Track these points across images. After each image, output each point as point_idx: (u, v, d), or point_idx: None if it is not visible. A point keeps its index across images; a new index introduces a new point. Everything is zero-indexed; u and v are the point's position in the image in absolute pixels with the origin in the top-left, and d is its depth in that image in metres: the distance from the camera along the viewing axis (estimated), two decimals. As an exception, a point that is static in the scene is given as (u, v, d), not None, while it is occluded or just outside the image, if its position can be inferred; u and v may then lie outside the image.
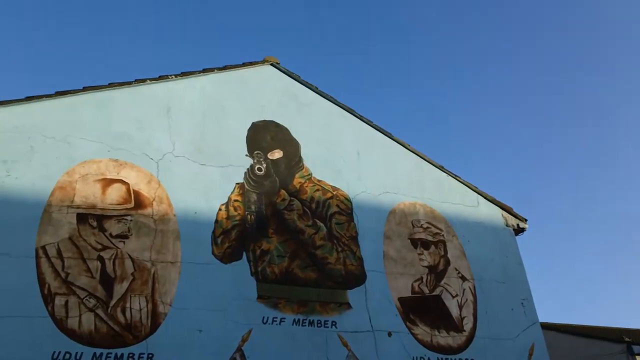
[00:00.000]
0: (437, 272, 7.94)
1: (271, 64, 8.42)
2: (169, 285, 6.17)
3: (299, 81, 8.54)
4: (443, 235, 8.33)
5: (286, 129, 7.98)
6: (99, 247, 6.06)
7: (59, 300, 5.59)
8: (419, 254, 7.97)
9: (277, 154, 7.64)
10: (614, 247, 38.72)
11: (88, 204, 6.20)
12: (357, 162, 8.26)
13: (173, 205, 6.61)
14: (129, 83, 7.04)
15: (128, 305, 5.89)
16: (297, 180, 7.62)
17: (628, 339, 14.12)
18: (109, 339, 5.63)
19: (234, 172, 7.21)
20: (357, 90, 41.04)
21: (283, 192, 7.41)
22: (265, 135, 7.75)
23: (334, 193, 7.76)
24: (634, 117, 35.55)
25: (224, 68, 7.90)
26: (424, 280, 7.78)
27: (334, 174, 7.94)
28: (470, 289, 8.06)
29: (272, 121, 7.94)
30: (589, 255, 39.88)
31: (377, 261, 7.54)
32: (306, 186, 7.63)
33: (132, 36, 40.00)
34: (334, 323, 6.80)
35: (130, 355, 5.65)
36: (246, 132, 7.64)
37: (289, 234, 7.14)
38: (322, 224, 7.42)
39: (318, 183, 7.74)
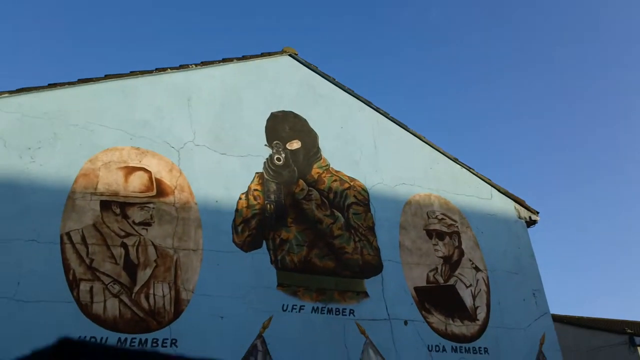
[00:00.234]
0: (451, 263, 8.05)
1: (289, 55, 8.46)
2: (191, 272, 6.25)
3: (316, 72, 8.59)
4: (457, 226, 8.42)
5: (304, 119, 8.04)
6: (123, 234, 6.13)
7: (84, 286, 5.66)
8: (434, 245, 8.07)
9: (295, 145, 7.70)
10: (616, 240, 38.95)
11: (111, 191, 6.26)
12: (374, 154, 8.33)
13: (194, 194, 6.67)
14: (150, 72, 7.08)
15: (151, 291, 5.96)
16: (315, 171, 7.69)
17: (630, 331, 14.30)
18: (133, 324, 5.71)
19: (253, 162, 7.28)
20: (373, 83, 41.05)
21: (302, 182, 7.48)
22: (284, 126, 7.80)
23: (351, 184, 7.84)
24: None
25: (243, 58, 7.94)
26: (439, 270, 7.89)
27: (351, 165, 8.00)
28: (483, 279, 8.16)
29: (291, 112, 8.00)
30: (591, 248, 40.13)
31: (393, 251, 7.63)
32: (324, 176, 7.70)
33: (151, 25, 39.88)
34: (351, 311, 6.90)
35: (154, 340, 5.73)
36: (265, 122, 7.69)
37: (307, 224, 7.22)
38: (339, 214, 7.50)
39: (336, 174, 7.82)
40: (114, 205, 6.21)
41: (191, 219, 6.52)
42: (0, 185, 5.67)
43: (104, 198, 6.18)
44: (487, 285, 8.15)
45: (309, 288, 6.80)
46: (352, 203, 7.68)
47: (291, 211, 7.21)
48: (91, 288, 5.72)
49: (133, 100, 6.87)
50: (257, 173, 7.23)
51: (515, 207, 9.21)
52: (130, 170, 6.47)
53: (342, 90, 8.66)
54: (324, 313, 6.74)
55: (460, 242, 8.33)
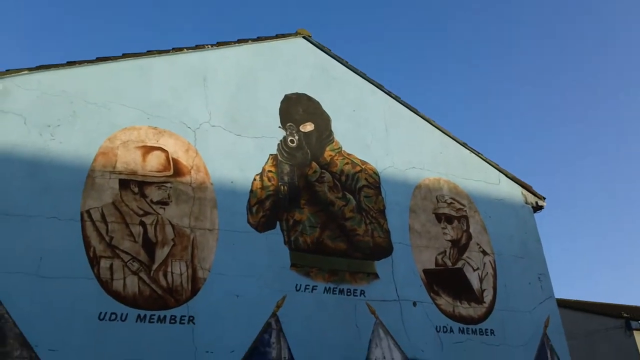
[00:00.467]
0: (459, 246, 8.20)
1: (303, 37, 8.48)
2: (207, 251, 6.36)
3: (330, 55, 8.62)
4: (466, 210, 8.56)
5: (317, 102, 8.09)
6: (141, 212, 6.22)
7: (104, 263, 5.76)
8: (443, 228, 8.21)
9: (308, 127, 7.77)
10: (612, 225, 39.34)
11: (129, 170, 6.33)
12: (385, 137, 8.41)
13: (210, 174, 6.75)
14: (166, 51, 7.10)
15: (169, 269, 6.07)
16: (327, 153, 7.77)
17: (626, 315, 14.56)
18: (152, 301, 5.82)
19: (267, 144, 7.35)
20: (385, 67, 40.85)
21: (314, 164, 7.57)
22: (297, 108, 7.86)
23: (363, 167, 7.93)
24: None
25: (258, 39, 7.96)
26: (447, 253, 8.04)
27: (363, 148, 8.09)
28: (490, 263, 8.32)
29: (304, 94, 8.05)
30: (589, 233, 40.53)
31: (403, 234, 7.76)
32: (336, 159, 7.79)
33: (166, 4, 39.36)
34: (362, 292, 7.05)
35: (172, 317, 5.86)
36: (279, 104, 7.74)
37: (320, 206, 7.32)
38: (351, 197, 7.61)
39: (348, 157, 7.90)
40: (132, 184, 6.29)
41: (207, 199, 6.61)
42: (21, 162, 5.73)
43: (122, 177, 6.26)
44: (494, 269, 8.32)
45: (321, 269, 6.93)
46: (363, 186, 7.78)
47: (304, 193, 7.31)
48: (111, 265, 5.82)
49: (150, 79, 6.90)
50: (271, 155, 7.30)
51: (522, 193, 9.34)
52: (148, 149, 6.53)
53: (354, 74, 8.71)
54: (335, 293, 6.88)
55: (468, 226, 8.47)
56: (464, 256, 8.15)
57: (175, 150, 6.68)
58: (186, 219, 6.40)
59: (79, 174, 6.02)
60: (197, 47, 7.36)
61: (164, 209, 6.35)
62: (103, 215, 5.98)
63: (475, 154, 9.22)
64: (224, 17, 41.59)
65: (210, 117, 7.09)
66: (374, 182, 7.93)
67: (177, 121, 6.83)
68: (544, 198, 9.41)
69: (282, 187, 7.16)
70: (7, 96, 5.94)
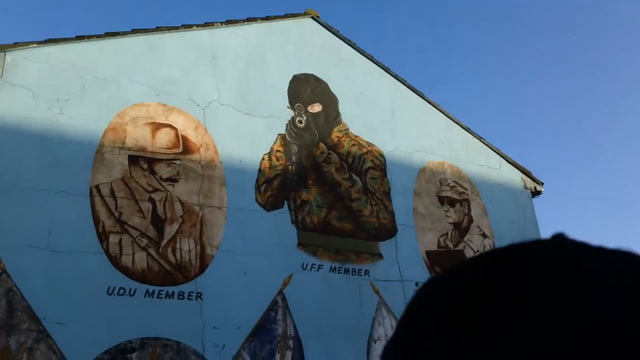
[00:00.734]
0: (461, 229, 8.30)
1: (312, 17, 8.44)
2: (216, 229, 6.39)
3: (337, 36, 8.60)
4: (467, 194, 8.65)
5: (325, 83, 8.09)
6: (150, 189, 6.22)
7: (113, 238, 5.77)
8: (445, 211, 8.31)
9: (316, 108, 7.78)
10: (608, 214, 39.89)
11: (138, 146, 6.32)
12: (391, 120, 8.45)
13: (219, 152, 6.75)
14: (176, 28, 7.05)
15: (178, 246, 6.10)
16: (335, 135, 7.80)
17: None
18: (160, 277, 5.86)
19: (276, 123, 7.36)
20: (392, 49, 40.66)
21: (322, 145, 7.60)
22: (305, 89, 7.86)
23: (369, 149, 7.97)
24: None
25: (267, 18, 7.92)
26: (449, 235, 8.14)
27: (370, 130, 8.12)
28: (490, 246, 8.45)
29: (312, 75, 8.04)
30: (585, 220, 41.05)
31: (407, 216, 7.85)
32: (343, 140, 7.82)
33: None
34: (367, 272, 7.13)
35: (181, 293, 5.90)
36: (287, 84, 7.73)
37: (327, 186, 7.37)
38: (357, 178, 7.66)
39: (354, 138, 7.93)
40: (141, 160, 6.28)
41: (216, 177, 6.63)
42: (31, 136, 5.70)
43: (131, 153, 6.25)
44: (494, 252, 8.43)
45: (327, 248, 6.99)
46: (369, 168, 7.83)
47: (312, 173, 7.34)
48: (120, 240, 5.84)
49: (159, 56, 6.86)
50: (279, 134, 7.32)
51: (522, 178, 9.45)
52: (157, 126, 6.51)
53: (362, 56, 8.71)
54: (341, 272, 6.96)
55: (469, 210, 8.57)
56: (465, 239, 8.27)
57: (185, 127, 6.67)
58: (195, 197, 6.41)
59: (89, 149, 6.00)
60: (207, 25, 7.31)
61: (173, 186, 6.36)
62: (112, 191, 5.98)
63: (478, 139, 9.30)
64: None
65: (220, 95, 7.07)
66: (380, 164, 7.98)
67: (186, 98, 6.81)
68: (542, 183, 9.54)
69: (290, 167, 7.19)
70: (16, 69, 5.88)
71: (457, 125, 9.15)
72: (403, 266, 7.46)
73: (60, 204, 5.60)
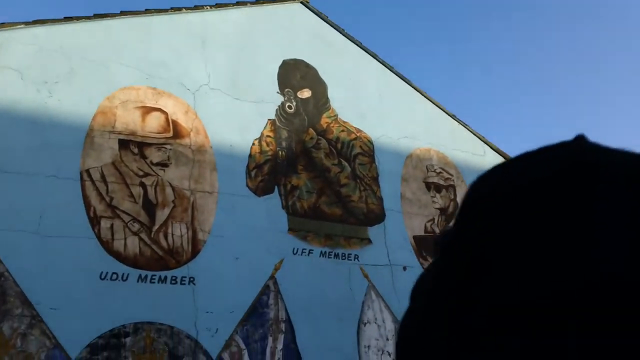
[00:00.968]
0: (447, 214, 8.44)
1: (301, 2, 8.40)
2: (207, 214, 6.38)
3: (326, 22, 8.58)
4: (453, 180, 8.78)
5: (315, 69, 8.09)
6: (141, 173, 6.17)
7: (104, 223, 5.73)
8: (432, 197, 8.42)
9: (306, 93, 7.78)
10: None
11: (129, 130, 6.25)
12: (379, 106, 8.50)
13: (209, 137, 6.72)
14: (165, 10, 6.96)
15: (170, 231, 6.09)
16: (324, 120, 7.82)
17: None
18: (153, 262, 5.85)
19: (266, 108, 7.34)
20: (380, 37, 40.55)
21: (311, 130, 7.62)
22: (295, 74, 7.85)
23: (358, 135, 8.02)
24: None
25: (256, 2, 7.86)
26: (436, 220, 8.27)
27: (358, 116, 8.16)
28: (475, 231, 8.60)
29: (302, 60, 8.03)
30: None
31: (395, 201, 7.94)
32: (332, 126, 7.84)
33: None
34: (356, 256, 7.21)
35: (173, 278, 5.91)
36: (277, 69, 7.71)
37: (316, 172, 7.40)
38: (346, 164, 7.71)
39: (343, 124, 7.97)
40: (131, 144, 6.22)
41: (206, 162, 6.61)
42: (20, 119, 5.60)
43: (122, 137, 6.18)
44: (479, 237, 8.60)
45: (317, 233, 7.05)
46: (358, 154, 7.89)
47: (301, 159, 7.37)
48: (112, 225, 5.80)
49: (148, 39, 6.77)
50: (269, 120, 7.31)
51: (505, 165, 9.61)
52: (147, 110, 6.45)
53: (350, 42, 8.71)
54: (331, 257, 7.03)
55: (455, 195, 8.71)
56: (451, 224, 8.38)
57: (175, 111, 6.62)
58: (186, 181, 6.39)
59: (78, 133, 5.92)
60: (196, 8, 7.23)
61: (164, 170, 6.32)
62: (103, 175, 5.92)
63: (463, 126, 9.42)
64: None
65: (210, 79, 7.02)
66: (368, 150, 8.04)
67: (176, 82, 6.75)
68: (525, 170, 9.70)
69: (280, 152, 7.20)
70: (4, 51, 5.76)
71: (443, 112, 9.25)
72: (391, 251, 7.56)
73: (51, 188, 5.54)
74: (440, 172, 8.68)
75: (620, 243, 0.35)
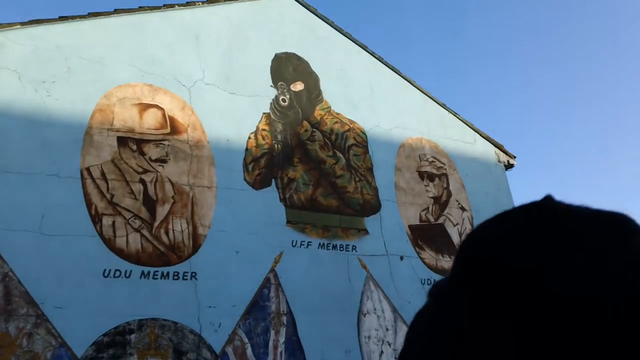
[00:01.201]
0: (440, 203, 8.58)
1: (290, -5, 8.45)
2: (207, 209, 6.44)
3: (316, 14, 8.64)
4: (446, 169, 8.93)
5: (306, 61, 8.15)
6: (140, 170, 6.20)
7: (106, 221, 5.77)
8: (425, 186, 8.56)
9: (299, 86, 7.84)
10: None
11: (127, 127, 6.28)
12: (371, 97, 8.59)
13: (206, 132, 6.77)
14: (158, 7, 6.96)
15: (170, 226, 6.14)
16: (317, 112, 7.90)
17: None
18: (155, 258, 5.90)
19: (260, 102, 7.40)
20: (368, 28, 40.56)
21: (306, 123, 7.69)
22: (287, 67, 7.90)
23: (351, 126, 8.11)
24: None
25: (247, -3, 7.89)
26: (430, 209, 8.41)
27: (351, 107, 8.25)
28: (468, 218, 8.77)
29: (294, 53, 8.08)
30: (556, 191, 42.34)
31: (390, 191, 8.06)
32: (326, 118, 7.93)
33: None
34: (354, 247, 7.33)
35: (176, 273, 5.96)
36: (269, 62, 7.76)
37: (312, 164, 7.49)
38: (341, 155, 7.80)
39: (336, 116, 8.05)
40: (130, 141, 6.24)
41: (204, 157, 6.65)
42: (19, 119, 5.60)
43: (120, 134, 6.20)
44: (472, 224, 8.78)
45: (315, 225, 7.14)
46: (352, 145, 7.98)
47: (297, 151, 7.45)
48: (113, 222, 5.84)
49: (143, 36, 6.78)
50: (264, 113, 7.37)
51: (495, 152, 9.79)
52: (144, 107, 6.47)
53: (340, 34, 8.78)
54: (329, 249, 7.13)
55: (448, 184, 8.86)
56: (445, 212, 8.56)
57: (171, 108, 6.65)
58: (185, 177, 6.43)
59: (77, 131, 5.93)
60: (188, 4, 7.24)
61: (163, 166, 6.36)
62: (103, 173, 5.94)
63: (453, 114, 9.56)
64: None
65: (204, 75, 7.05)
66: (362, 141, 8.14)
67: (171, 79, 6.77)
68: (515, 157, 9.91)
69: (276, 146, 7.27)
70: (1, 51, 5.73)
71: (433, 101, 9.37)
72: (388, 241, 7.69)
73: (52, 187, 5.55)
74: (432, 161, 8.82)
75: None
